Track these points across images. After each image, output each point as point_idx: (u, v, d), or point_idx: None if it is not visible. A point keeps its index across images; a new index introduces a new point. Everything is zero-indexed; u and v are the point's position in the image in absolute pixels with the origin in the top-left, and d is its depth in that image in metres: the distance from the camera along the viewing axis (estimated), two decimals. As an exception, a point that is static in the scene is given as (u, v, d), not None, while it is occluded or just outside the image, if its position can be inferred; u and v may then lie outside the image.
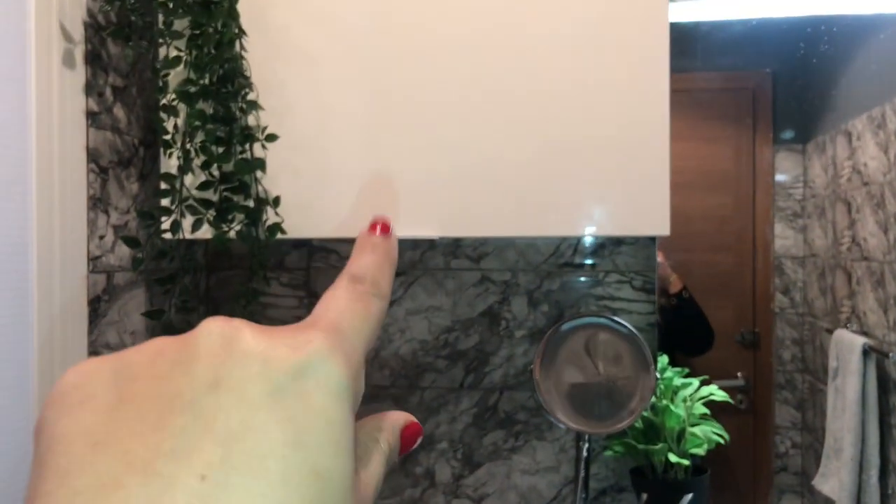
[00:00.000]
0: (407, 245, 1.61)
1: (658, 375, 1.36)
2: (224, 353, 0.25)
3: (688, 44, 1.64)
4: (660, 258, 1.59)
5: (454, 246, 1.60)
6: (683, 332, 1.56)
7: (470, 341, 1.60)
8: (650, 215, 1.25)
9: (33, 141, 1.15)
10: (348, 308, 0.31)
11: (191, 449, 0.23)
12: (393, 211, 1.31)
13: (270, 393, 0.24)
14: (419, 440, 0.34)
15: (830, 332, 1.62)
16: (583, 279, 1.56)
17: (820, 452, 1.64)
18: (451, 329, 1.61)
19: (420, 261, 1.61)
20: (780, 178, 1.76)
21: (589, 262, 1.56)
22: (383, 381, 1.63)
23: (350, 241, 1.38)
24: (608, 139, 1.26)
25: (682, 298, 1.65)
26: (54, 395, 0.26)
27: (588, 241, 1.56)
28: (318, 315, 0.30)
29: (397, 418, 0.33)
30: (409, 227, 1.30)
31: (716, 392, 1.47)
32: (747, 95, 1.79)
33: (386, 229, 0.36)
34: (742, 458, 1.67)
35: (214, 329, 0.26)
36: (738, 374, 1.78)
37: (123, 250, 1.36)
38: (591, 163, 1.27)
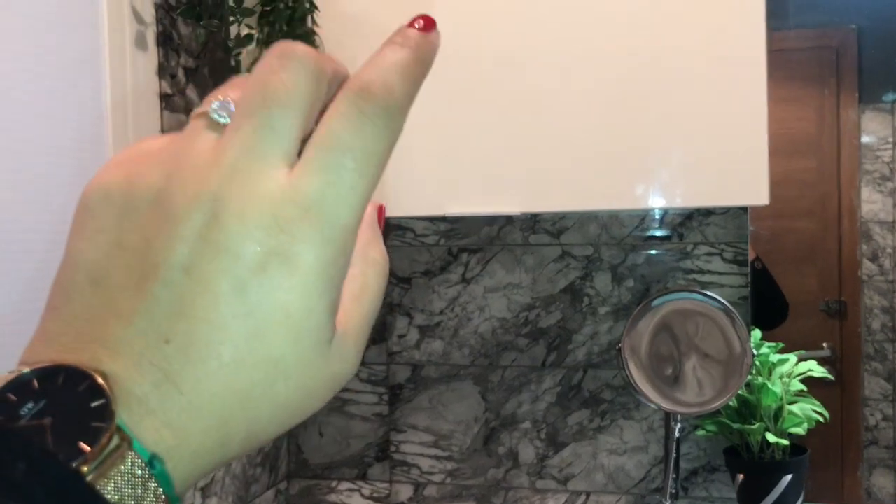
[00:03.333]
0: (483, 220, 1.57)
1: (754, 352, 1.30)
2: (202, 240, 0.26)
3: (770, 1, 1.57)
4: None
5: (532, 220, 1.56)
6: (756, 305, 1.50)
7: (551, 319, 1.56)
8: (746, 183, 1.20)
9: (109, 125, 1.14)
10: (340, 162, 0.27)
11: (161, 317, 0.25)
12: (469, 186, 1.27)
13: (234, 287, 0.25)
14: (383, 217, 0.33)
15: (924, 300, 1.56)
16: (670, 252, 1.51)
17: (914, 425, 1.58)
18: (531, 306, 1.57)
19: (497, 236, 1.57)
20: (866, 139, 1.69)
21: (676, 234, 1.50)
22: (463, 360, 1.60)
23: (427, 219, 1.35)
24: (699, 104, 1.20)
25: (754, 269, 1.59)
26: (77, 212, 0.29)
27: (675, 211, 1.50)
28: (306, 170, 0.26)
29: (372, 249, 0.32)
30: (487, 203, 1.26)
31: (815, 368, 1.41)
32: (831, 54, 1.72)
33: (430, 25, 0.30)
34: (830, 431, 1.61)
35: (203, 202, 0.26)
36: (824, 344, 1.73)
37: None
38: (680, 130, 1.21)
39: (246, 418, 0.26)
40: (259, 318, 0.26)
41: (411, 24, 0.30)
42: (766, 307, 1.63)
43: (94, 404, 0.24)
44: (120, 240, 0.27)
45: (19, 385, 0.24)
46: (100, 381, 0.24)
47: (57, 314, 0.27)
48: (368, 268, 0.31)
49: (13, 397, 0.24)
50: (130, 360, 0.25)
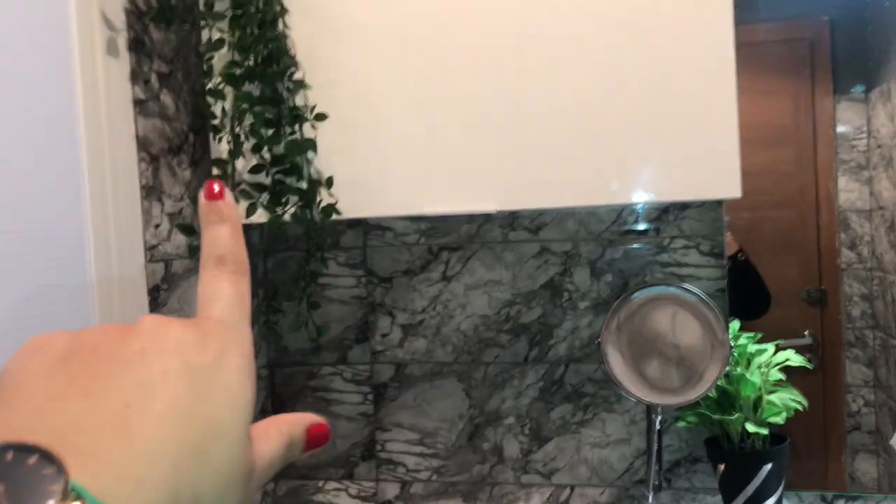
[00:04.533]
0: (462, 219, 1.58)
1: (732, 343, 1.31)
2: (153, 335, 0.33)
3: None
4: None
5: (511, 218, 1.56)
6: (739, 296, 1.51)
7: (532, 314, 1.57)
8: (719, 177, 1.20)
9: (82, 133, 1.14)
10: (228, 297, 0.38)
11: (120, 386, 0.30)
12: (447, 185, 1.27)
13: (183, 365, 0.32)
14: (325, 441, 0.40)
15: (903, 286, 1.56)
16: (647, 246, 1.52)
17: (895, 410, 1.59)
18: (512, 303, 1.57)
19: (477, 234, 1.58)
20: (841, 129, 1.70)
21: (653, 227, 1.51)
22: (446, 357, 1.60)
23: (406, 219, 1.35)
24: (670, 100, 1.21)
25: (737, 261, 1.60)
26: (17, 351, 0.34)
27: (651, 206, 1.51)
28: (208, 311, 0.38)
29: (305, 417, 0.40)
30: (464, 202, 1.27)
31: (792, 357, 1.42)
32: (804, 45, 1.72)
33: (221, 191, 0.41)
34: (812, 418, 1.62)
35: (150, 322, 0.34)
36: (805, 332, 1.74)
37: (180, 238, 1.35)
38: (652, 125, 1.21)
39: (193, 477, 0.30)
40: (204, 387, 0.33)
41: (209, 196, 0.40)
42: (750, 298, 1.64)
43: (45, 472, 0.26)
44: (72, 351, 0.33)
45: None
46: (50, 451, 0.26)
47: (6, 405, 0.30)
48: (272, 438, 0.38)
49: None
50: (87, 431, 0.28)
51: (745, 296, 1.59)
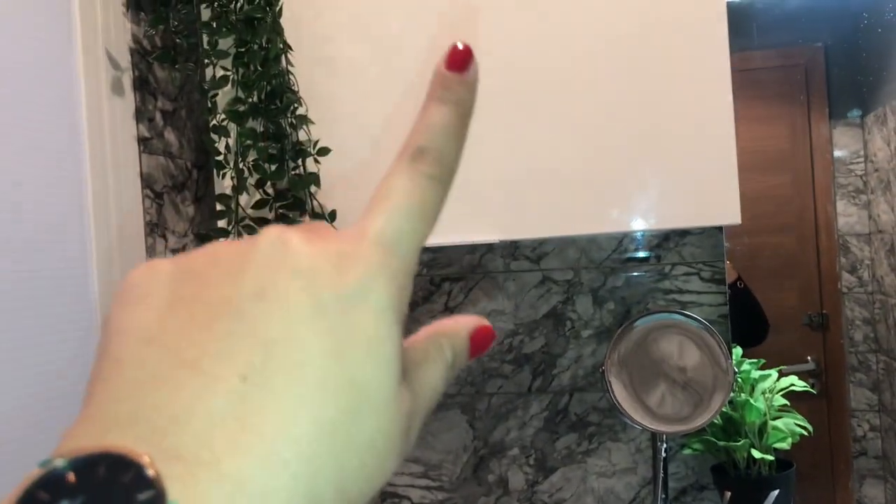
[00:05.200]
0: (464, 249, 1.58)
1: (735, 369, 1.31)
2: (273, 265, 0.26)
3: (738, 23, 1.60)
4: None
5: (513, 247, 1.57)
6: (738, 324, 1.51)
7: (535, 344, 1.57)
8: (719, 203, 1.21)
9: (88, 171, 1.15)
10: (402, 205, 0.29)
11: (234, 352, 0.24)
12: (449, 215, 1.28)
13: (313, 307, 0.25)
14: (492, 343, 0.33)
15: (905, 309, 1.57)
16: (648, 273, 1.52)
17: (901, 434, 1.59)
18: (514, 332, 1.58)
19: (479, 264, 1.59)
20: (838, 153, 1.71)
21: (654, 255, 1.52)
22: (449, 388, 1.60)
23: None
24: (669, 128, 1.22)
25: (737, 289, 1.60)
26: (118, 293, 0.28)
27: (652, 233, 1.52)
28: (369, 219, 0.29)
29: (466, 322, 0.32)
30: (466, 233, 1.27)
31: (796, 383, 1.42)
32: (800, 72, 1.74)
33: (466, 59, 0.32)
34: (818, 443, 1.62)
35: (268, 239, 0.27)
36: (808, 357, 1.74)
37: (183, 274, 1.35)
38: (652, 153, 1.23)
39: (335, 466, 0.24)
40: (340, 337, 0.25)
41: (449, 64, 0.32)
42: (749, 327, 1.64)
43: (141, 497, 0.21)
44: (175, 295, 0.26)
45: (52, 480, 0.21)
46: (147, 469, 0.21)
47: (104, 387, 0.25)
48: (435, 351, 0.31)
49: (45, 495, 0.21)
50: (198, 421, 0.23)
51: (745, 324, 1.59)
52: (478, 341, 0.32)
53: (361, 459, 0.25)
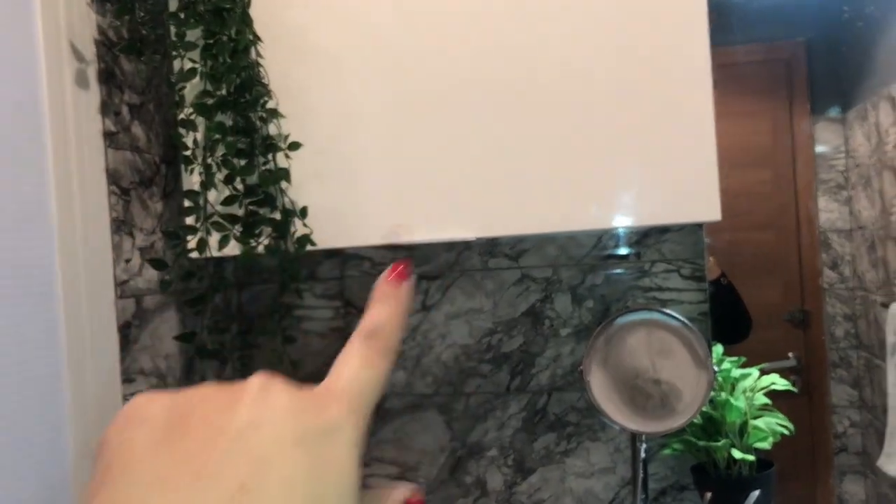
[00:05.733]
0: (442, 247, 1.56)
1: (715, 368, 1.30)
2: (264, 403, 0.31)
3: (719, 17, 1.58)
4: None
5: (491, 245, 1.55)
6: (721, 321, 1.50)
7: (514, 343, 1.55)
8: (698, 200, 1.19)
9: (51, 166, 1.12)
10: (362, 372, 0.36)
11: (233, 465, 0.28)
12: (425, 213, 1.26)
13: (299, 438, 0.30)
14: None
15: (886, 305, 1.56)
16: (628, 271, 1.50)
17: (881, 430, 1.58)
18: (493, 331, 1.55)
19: (456, 262, 1.56)
20: (820, 149, 1.71)
21: (633, 252, 1.50)
22: (426, 388, 1.58)
23: (385, 248, 1.32)
24: (648, 123, 1.20)
25: (720, 285, 1.59)
26: (119, 418, 0.32)
27: (631, 230, 1.50)
28: (337, 379, 0.36)
29: (399, 493, 0.40)
30: (442, 230, 1.25)
31: (777, 381, 1.40)
32: (781, 67, 1.73)
33: (404, 275, 0.40)
34: (799, 440, 1.61)
35: (257, 382, 0.32)
36: (790, 354, 1.74)
37: (151, 273, 1.32)
38: (631, 149, 1.21)
39: None
40: (318, 462, 0.31)
41: (391, 278, 0.40)
42: (732, 324, 1.63)
43: None
44: (174, 419, 0.30)
45: None
46: None
47: (109, 490, 0.28)
48: None
49: None
50: None
51: (728, 321, 1.58)
52: None
53: None
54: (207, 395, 0.32)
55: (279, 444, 0.29)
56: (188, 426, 0.30)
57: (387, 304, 0.39)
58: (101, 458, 0.30)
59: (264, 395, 0.31)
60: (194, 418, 0.30)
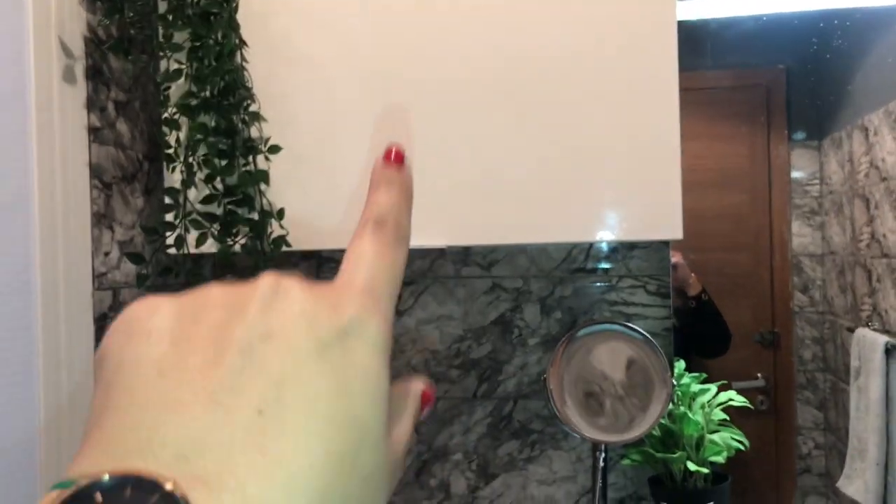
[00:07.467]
0: (416, 254, 1.59)
1: (675, 382, 1.33)
2: (276, 308, 0.28)
3: (700, 42, 1.61)
4: (680, 259, 1.56)
5: (464, 253, 1.58)
6: (701, 335, 1.53)
7: (482, 350, 1.58)
8: (662, 219, 1.23)
9: (35, 158, 1.14)
10: (376, 264, 0.32)
11: (248, 387, 0.25)
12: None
13: (317, 347, 0.27)
14: (428, 409, 0.35)
15: (851, 330, 1.59)
16: (596, 284, 1.54)
17: (844, 453, 1.60)
18: (463, 338, 1.58)
19: (430, 269, 1.59)
20: (796, 174, 1.73)
21: (602, 266, 1.53)
22: (396, 392, 1.60)
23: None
24: (618, 143, 1.23)
25: (701, 301, 1.62)
26: (119, 324, 0.29)
27: (601, 245, 1.53)
28: (350, 274, 0.31)
29: (417, 384, 0.35)
30: (416, 237, 1.27)
31: (735, 398, 1.43)
32: (761, 92, 1.76)
33: (400, 158, 0.37)
34: (764, 460, 1.63)
35: (267, 283, 0.29)
36: (758, 374, 1.75)
37: (129, 267, 1.35)
38: (600, 167, 1.24)
39: (342, 496, 0.26)
40: (342, 373, 0.27)
41: (387, 160, 0.37)
42: (711, 338, 1.66)
43: None
44: (180, 332, 0.28)
45: (80, 500, 0.22)
46: (171, 489, 0.22)
47: (116, 414, 0.26)
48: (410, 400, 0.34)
49: None
50: (220, 449, 0.24)
51: (708, 336, 1.61)
52: (424, 401, 0.35)
53: (362, 491, 0.27)
54: (213, 301, 0.29)
55: (294, 358, 0.26)
56: (195, 339, 0.27)
57: (390, 189, 0.35)
58: (102, 376, 0.28)
59: (274, 300, 0.28)
60: (201, 329, 0.27)
